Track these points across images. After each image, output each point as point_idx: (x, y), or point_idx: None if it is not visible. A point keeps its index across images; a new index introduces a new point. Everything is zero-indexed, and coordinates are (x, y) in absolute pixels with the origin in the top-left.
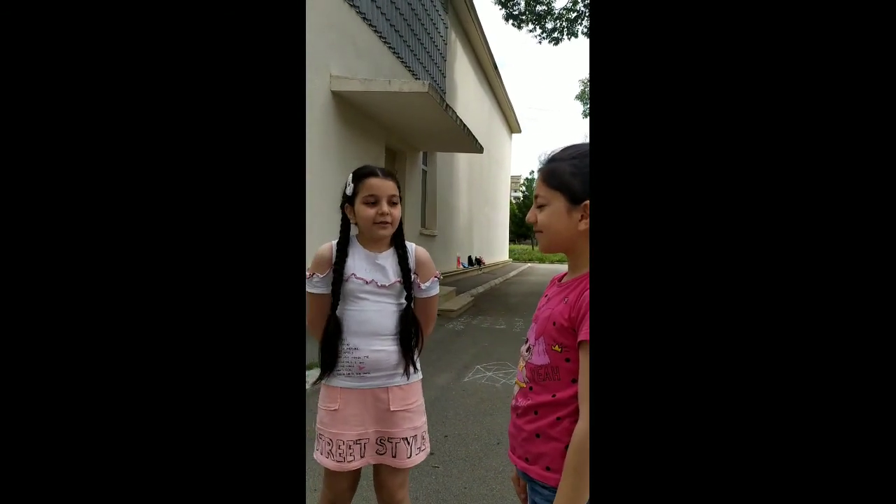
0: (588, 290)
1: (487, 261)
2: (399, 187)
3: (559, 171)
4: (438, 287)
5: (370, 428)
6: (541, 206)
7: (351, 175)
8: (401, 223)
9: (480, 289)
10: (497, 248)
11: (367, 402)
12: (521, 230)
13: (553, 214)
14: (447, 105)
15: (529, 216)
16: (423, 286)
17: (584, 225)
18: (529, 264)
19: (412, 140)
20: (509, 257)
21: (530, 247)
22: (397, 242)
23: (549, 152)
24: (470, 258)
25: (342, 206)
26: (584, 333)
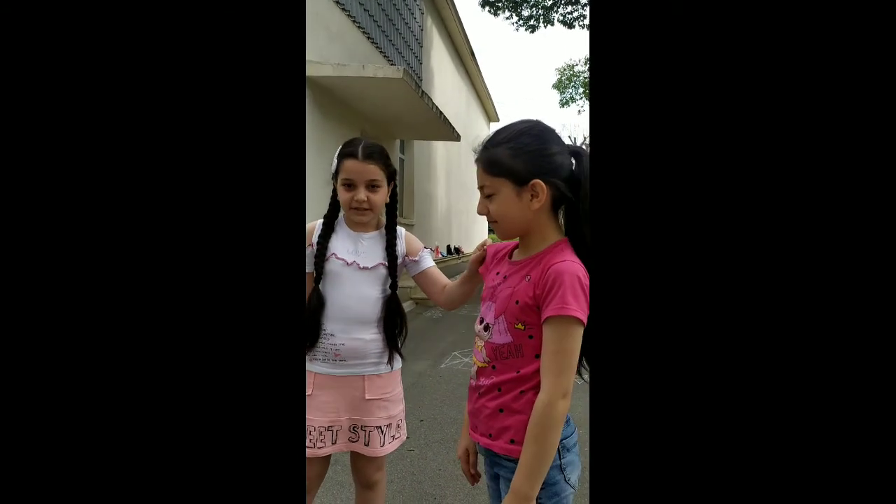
0: (552, 267)
1: (466, 250)
2: (387, 166)
3: (498, 157)
4: (432, 259)
5: (343, 415)
6: (489, 196)
7: (338, 151)
8: (394, 204)
9: (458, 278)
10: (476, 237)
11: (341, 390)
12: None
13: (504, 202)
14: (423, 91)
15: (480, 208)
16: (414, 258)
17: (537, 203)
18: None
19: (388, 128)
20: None
21: None
22: (387, 225)
23: (480, 140)
24: (449, 247)
25: (333, 178)
26: (549, 310)
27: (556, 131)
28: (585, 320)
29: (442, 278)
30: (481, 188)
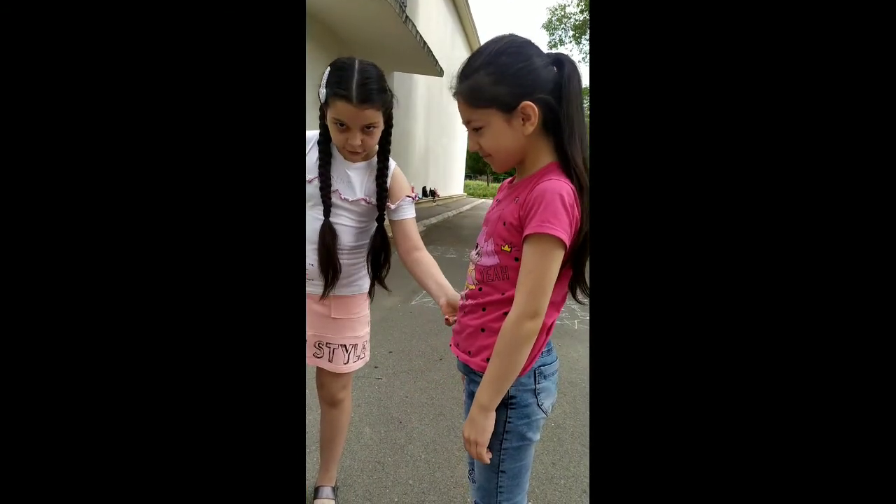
0: (537, 186)
1: (442, 193)
2: (384, 104)
3: (480, 86)
4: (413, 209)
5: (310, 331)
6: (478, 130)
7: (327, 73)
8: (389, 137)
9: (433, 220)
10: (452, 180)
11: (308, 306)
12: (478, 165)
13: (495, 134)
14: (407, 17)
15: (471, 144)
16: (391, 206)
17: (530, 127)
18: (483, 200)
19: (367, 55)
20: (464, 192)
21: (485, 183)
22: (380, 156)
23: (456, 71)
24: (424, 189)
25: (324, 106)
26: (529, 228)
27: (534, 41)
28: (567, 239)
29: (413, 234)
30: (467, 123)
